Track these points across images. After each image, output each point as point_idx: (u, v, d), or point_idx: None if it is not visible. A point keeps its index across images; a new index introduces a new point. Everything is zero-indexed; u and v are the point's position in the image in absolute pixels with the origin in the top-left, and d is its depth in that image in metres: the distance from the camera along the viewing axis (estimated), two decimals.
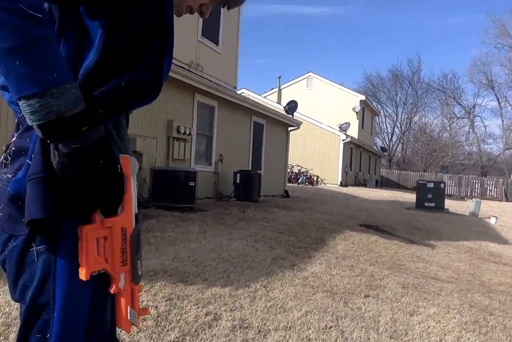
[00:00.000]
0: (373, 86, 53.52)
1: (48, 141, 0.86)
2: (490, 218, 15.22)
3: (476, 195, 31.93)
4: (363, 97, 31.11)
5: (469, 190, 33.83)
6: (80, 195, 0.89)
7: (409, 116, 52.34)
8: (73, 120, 0.83)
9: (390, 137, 53.01)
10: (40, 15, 0.81)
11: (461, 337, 3.63)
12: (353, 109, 29.91)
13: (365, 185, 29.06)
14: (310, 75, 31.16)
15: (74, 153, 0.84)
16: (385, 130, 53.57)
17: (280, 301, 3.86)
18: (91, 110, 0.86)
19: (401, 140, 52.55)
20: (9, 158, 0.99)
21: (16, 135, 0.99)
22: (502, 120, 50.95)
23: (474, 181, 34.41)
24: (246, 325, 3.22)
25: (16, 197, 0.91)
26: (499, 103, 51.13)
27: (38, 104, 0.81)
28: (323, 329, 3.39)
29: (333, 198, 16.01)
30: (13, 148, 0.99)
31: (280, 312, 3.59)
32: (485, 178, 36.19)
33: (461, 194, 33.23)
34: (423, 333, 3.60)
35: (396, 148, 52.81)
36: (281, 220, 8.18)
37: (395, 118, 53.05)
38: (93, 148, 0.86)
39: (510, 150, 50.11)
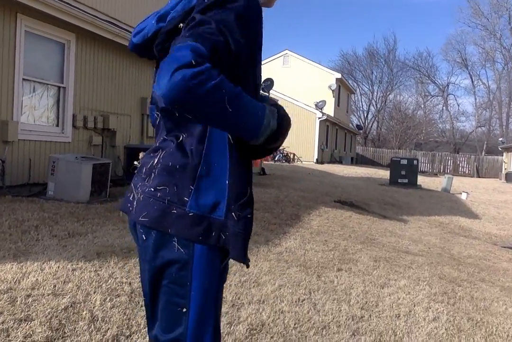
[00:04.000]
0: (349, 64, 53.49)
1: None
2: (461, 193, 15.56)
3: (448, 171, 32.57)
4: (339, 76, 31.06)
5: (442, 166, 34.46)
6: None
7: (385, 94, 52.65)
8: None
9: (365, 115, 53.38)
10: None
11: (430, 308, 3.75)
12: (329, 87, 29.88)
13: (340, 162, 29.30)
14: (286, 53, 30.90)
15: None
16: (361, 108, 53.90)
17: (254, 275, 3.91)
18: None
19: (377, 118, 52.93)
20: (154, 173, 1.26)
21: (161, 154, 1.28)
22: (475, 98, 51.76)
23: (447, 158, 35.03)
24: None
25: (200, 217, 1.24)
26: (472, 82, 51.87)
27: (268, 132, 1.20)
28: (295, 302, 3.45)
29: (308, 175, 16.12)
30: (158, 165, 1.26)
31: (254, 286, 3.64)
32: (458, 155, 36.89)
33: (434, 171, 33.83)
34: (393, 304, 3.71)
35: (371, 126, 53.24)
36: (257, 197, 8.21)
37: (370, 96, 53.35)
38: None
39: (482, 128, 51.04)
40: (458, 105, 78.52)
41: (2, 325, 2.47)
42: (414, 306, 3.75)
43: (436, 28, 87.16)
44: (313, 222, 6.85)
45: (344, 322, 3.19)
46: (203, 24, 1.14)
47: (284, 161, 23.91)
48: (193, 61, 1.04)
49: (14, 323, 2.51)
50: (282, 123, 1.25)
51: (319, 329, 3.03)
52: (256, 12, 1.28)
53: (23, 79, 6.88)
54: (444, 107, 53.26)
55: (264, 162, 16.74)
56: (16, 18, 6.64)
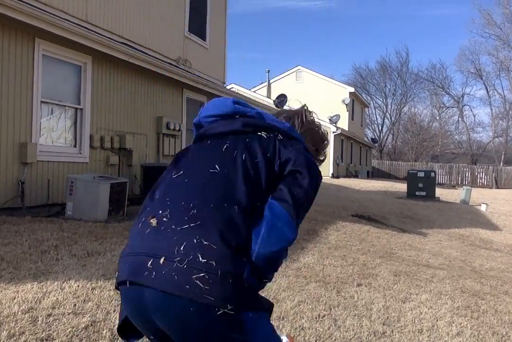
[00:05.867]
0: (362, 78, 53.56)
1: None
2: (480, 205, 15.33)
3: (466, 183, 32.13)
4: (352, 89, 31.11)
5: (459, 178, 34.03)
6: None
7: (399, 107, 52.48)
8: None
9: (380, 128, 53.17)
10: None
11: (453, 322, 3.68)
12: (343, 101, 29.91)
13: (356, 176, 29.13)
14: (299, 69, 31.09)
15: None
16: (375, 122, 53.72)
17: (273, 292, 3.88)
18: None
19: (391, 131, 52.70)
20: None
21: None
22: (491, 109, 51.27)
23: (465, 169, 34.62)
24: None
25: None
26: (488, 92, 51.43)
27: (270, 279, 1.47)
28: (316, 318, 3.42)
29: (325, 189, 16.03)
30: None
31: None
32: (475, 166, 36.43)
33: (452, 182, 33.42)
34: (415, 319, 3.65)
35: (386, 139, 52.96)
36: None
37: (384, 109, 53.19)
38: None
39: (499, 138, 50.44)
40: (474, 116, 77.91)
41: None
42: (437, 320, 3.68)
43: (449, 40, 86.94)
44: (330, 237, 6.80)
45: (366, 338, 3.15)
46: (305, 203, 1.50)
47: None
48: (287, 244, 1.41)
49: None
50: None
51: None
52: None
53: (41, 101, 7.03)
54: (459, 119, 52.85)
55: None
56: (34, 43, 6.81)
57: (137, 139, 9.02)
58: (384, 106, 53.14)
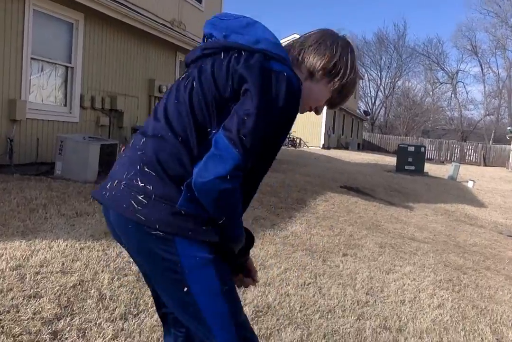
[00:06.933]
0: (358, 49, 52.79)
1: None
2: (467, 181, 15.49)
3: (455, 159, 32.36)
4: None
5: (449, 154, 34.25)
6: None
7: (393, 80, 52.17)
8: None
9: (373, 101, 52.95)
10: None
11: (435, 294, 3.76)
12: None
13: (347, 148, 29.19)
14: (294, 37, 30.58)
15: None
16: (369, 94, 53.42)
17: (261, 258, 3.92)
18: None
19: (384, 105, 52.54)
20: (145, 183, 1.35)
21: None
22: (484, 86, 51.25)
23: (454, 146, 34.81)
24: None
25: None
26: (482, 69, 51.23)
27: (239, 245, 1.41)
28: (301, 285, 3.47)
29: (315, 160, 16.08)
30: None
31: (260, 269, 3.65)
32: (465, 143, 36.64)
33: (441, 158, 33.63)
34: (398, 290, 3.72)
35: (379, 112, 52.84)
36: (264, 181, 8.19)
37: (378, 82, 52.83)
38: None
39: (490, 116, 50.57)
40: (467, 93, 78.16)
41: (12, 301, 2.49)
42: (419, 292, 3.76)
43: (447, 15, 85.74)
44: (319, 207, 6.85)
45: (350, 307, 3.21)
46: (253, 122, 1.26)
47: (290, 146, 23.84)
48: (228, 176, 1.24)
49: (23, 299, 2.53)
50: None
51: (325, 312, 3.05)
52: (297, 100, 1.34)
53: (31, 58, 6.84)
54: (452, 95, 52.77)
55: None
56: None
57: (128, 101, 8.88)
58: (378, 79, 52.83)
